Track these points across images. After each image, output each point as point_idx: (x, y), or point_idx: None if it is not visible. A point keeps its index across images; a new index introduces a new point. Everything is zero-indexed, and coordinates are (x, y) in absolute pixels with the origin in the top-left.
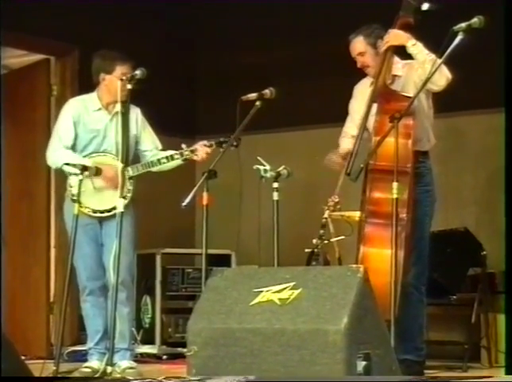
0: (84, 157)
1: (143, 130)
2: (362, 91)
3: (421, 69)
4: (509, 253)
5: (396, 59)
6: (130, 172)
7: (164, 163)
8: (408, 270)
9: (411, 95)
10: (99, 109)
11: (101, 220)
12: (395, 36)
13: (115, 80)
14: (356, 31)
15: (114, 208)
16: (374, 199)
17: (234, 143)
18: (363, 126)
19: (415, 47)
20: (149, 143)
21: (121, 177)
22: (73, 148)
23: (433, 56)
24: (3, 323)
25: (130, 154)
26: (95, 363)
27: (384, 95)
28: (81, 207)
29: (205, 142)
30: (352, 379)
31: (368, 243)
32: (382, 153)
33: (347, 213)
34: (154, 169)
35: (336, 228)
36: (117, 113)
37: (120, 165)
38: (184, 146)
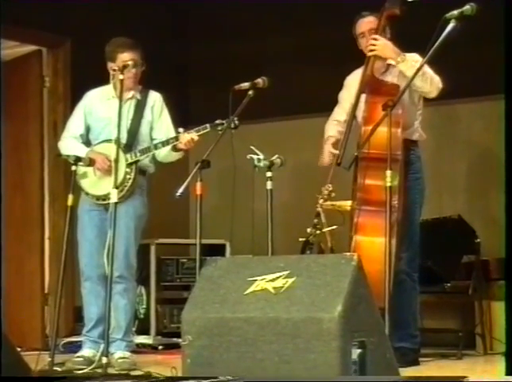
0: (95, 145)
1: (158, 117)
2: (353, 82)
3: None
4: (508, 240)
5: None
6: (128, 158)
7: (159, 148)
8: (399, 257)
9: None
10: (112, 97)
11: (106, 209)
12: (384, 48)
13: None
14: (366, 12)
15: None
16: (365, 186)
17: (232, 125)
18: (352, 116)
19: (404, 64)
20: (161, 132)
21: (114, 165)
22: (86, 137)
23: (423, 68)
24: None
25: (144, 141)
26: (86, 351)
27: (372, 85)
28: (87, 195)
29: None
30: (352, 379)
31: (360, 231)
32: (373, 141)
33: (338, 203)
34: (158, 158)
35: (328, 217)
36: (129, 100)
37: (113, 154)
38: (181, 130)
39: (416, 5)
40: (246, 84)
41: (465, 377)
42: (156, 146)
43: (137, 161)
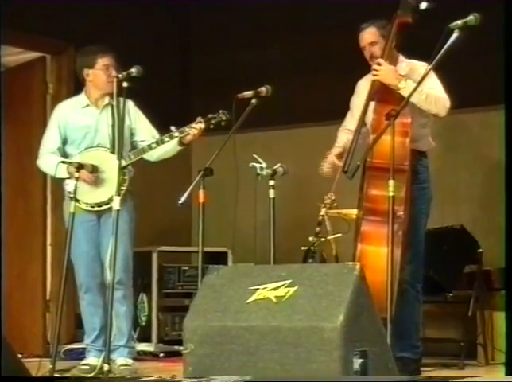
0: (80, 153)
1: (137, 120)
2: (365, 87)
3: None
4: (509, 250)
5: (400, 57)
6: (123, 162)
7: (154, 147)
8: (404, 268)
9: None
10: (87, 105)
11: (99, 217)
12: (387, 74)
13: (99, 73)
14: (368, 22)
15: (110, 200)
16: (371, 196)
17: (224, 118)
18: (361, 124)
19: (406, 89)
20: (145, 133)
21: (118, 172)
22: (63, 150)
23: (423, 91)
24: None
25: (126, 146)
26: (92, 359)
27: (381, 94)
28: (79, 203)
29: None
30: (353, 379)
31: (365, 240)
32: (380, 150)
33: (344, 211)
34: (153, 158)
35: (333, 225)
36: (106, 106)
37: (113, 160)
38: (173, 128)
39: (427, 13)
40: (249, 93)
41: (465, 377)
42: (150, 146)
43: (129, 164)
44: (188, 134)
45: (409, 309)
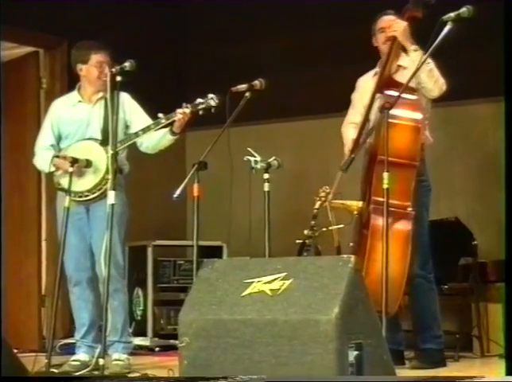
0: (69, 145)
1: (133, 113)
2: (365, 84)
3: (417, 77)
4: (509, 242)
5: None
6: (108, 150)
7: (140, 135)
8: (414, 262)
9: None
10: (79, 102)
11: (88, 210)
12: (405, 30)
13: (92, 70)
14: (390, 11)
15: (93, 189)
16: (381, 191)
17: (213, 104)
18: (366, 119)
19: (416, 53)
20: (141, 125)
21: (111, 167)
22: (58, 147)
23: (431, 65)
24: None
25: (118, 137)
26: (81, 355)
27: (390, 87)
28: (67, 193)
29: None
30: (350, 379)
31: (375, 234)
32: (393, 146)
33: (348, 202)
34: (148, 149)
35: (335, 216)
36: (100, 100)
37: (100, 150)
38: (160, 115)
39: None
40: (243, 86)
41: (475, 377)
42: (137, 134)
43: (117, 153)
44: (174, 120)
45: (425, 302)
